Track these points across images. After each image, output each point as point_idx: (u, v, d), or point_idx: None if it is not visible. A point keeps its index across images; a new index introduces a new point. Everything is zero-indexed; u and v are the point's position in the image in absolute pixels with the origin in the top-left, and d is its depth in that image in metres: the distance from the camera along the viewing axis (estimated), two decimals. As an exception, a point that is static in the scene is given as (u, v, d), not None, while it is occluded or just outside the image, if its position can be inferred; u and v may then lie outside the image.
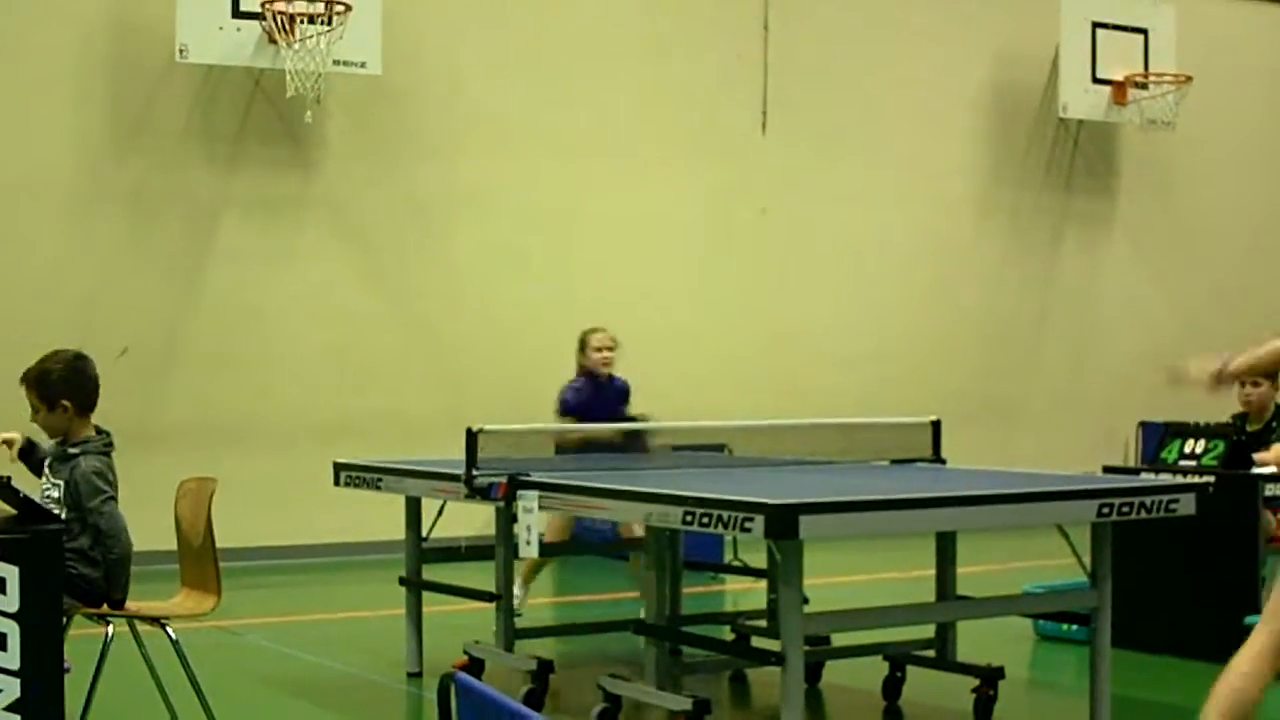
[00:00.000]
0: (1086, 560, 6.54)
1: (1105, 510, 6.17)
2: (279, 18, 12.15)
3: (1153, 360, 16.61)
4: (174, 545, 6.56)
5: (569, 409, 9.51)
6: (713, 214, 14.69)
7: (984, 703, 7.01)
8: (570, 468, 7.49)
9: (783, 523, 5.41)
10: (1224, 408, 9.50)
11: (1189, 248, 17.23)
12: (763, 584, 8.27)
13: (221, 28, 12.22)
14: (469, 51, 13.67)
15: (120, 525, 5.99)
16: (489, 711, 2.95)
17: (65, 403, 6.11)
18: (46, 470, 6.19)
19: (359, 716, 7.32)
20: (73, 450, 6.07)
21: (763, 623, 7.94)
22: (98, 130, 12.46)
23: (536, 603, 9.31)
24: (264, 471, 12.46)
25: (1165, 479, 7.76)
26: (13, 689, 5.11)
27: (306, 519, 12.60)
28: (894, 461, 7.84)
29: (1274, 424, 9.07)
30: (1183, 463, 8.61)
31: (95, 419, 6.22)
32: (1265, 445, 8.88)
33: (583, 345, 9.75)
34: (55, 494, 6.00)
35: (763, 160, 14.90)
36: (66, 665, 5.46)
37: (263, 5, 12.23)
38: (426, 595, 8.18)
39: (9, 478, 5.25)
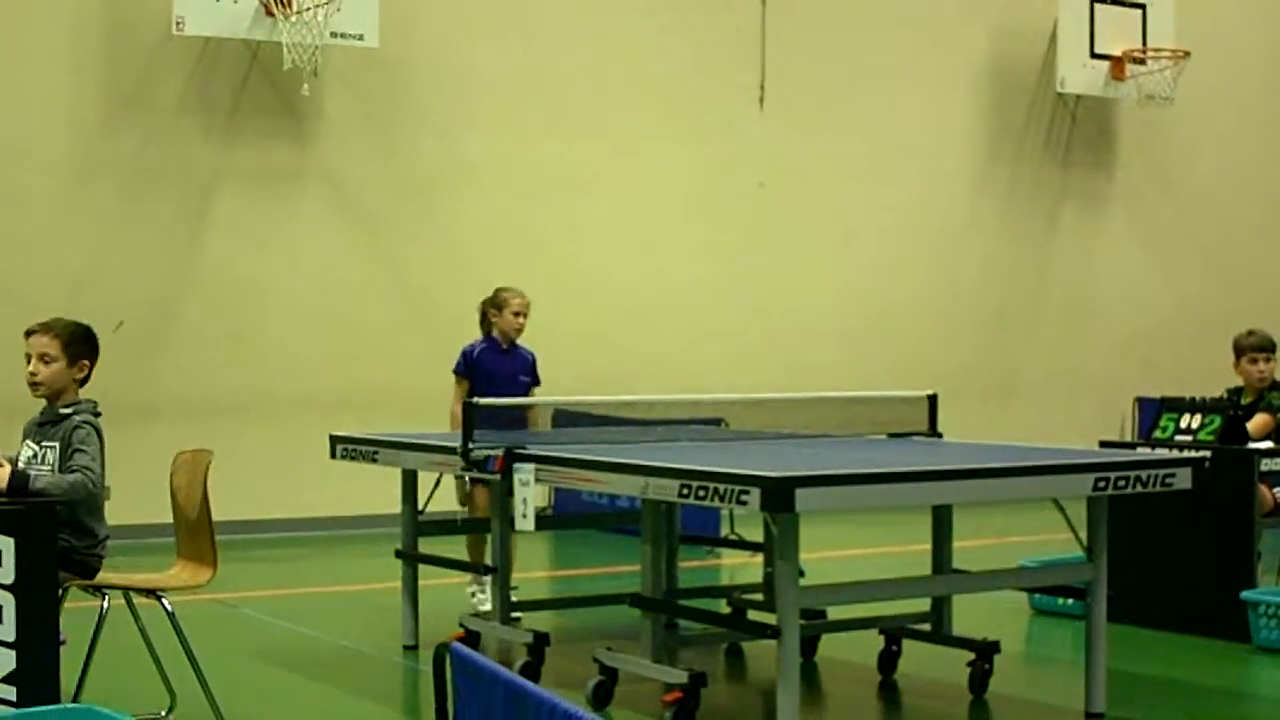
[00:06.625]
0: (1083, 535, 6.54)
1: (1101, 484, 6.16)
2: (276, -10, 12.15)
3: (1149, 336, 16.79)
4: (170, 518, 6.55)
5: (461, 372, 8.98)
6: (710, 188, 14.66)
7: (979, 676, 7.02)
8: (567, 440, 7.48)
9: (779, 496, 5.40)
10: (1220, 382, 9.51)
11: (1186, 223, 17.21)
12: (759, 558, 8.28)
13: (219, 0, 12.19)
14: (465, 24, 13.64)
15: (92, 489, 5.81)
16: (485, 683, 2.95)
17: (85, 363, 6.09)
18: (31, 438, 6.10)
19: (355, 689, 7.33)
20: (65, 410, 6.01)
21: (759, 596, 7.95)
22: (94, 102, 12.42)
23: (534, 576, 9.29)
24: (261, 444, 12.48)
25: (1161, 453, 7.76)
26: (9, 661, 5.13)
27: (303, 492, 12.60)
28: (891, 435, 7.84)
29: (1265, 394, 9.08)
30: (1179, 438, 8.59)
31: (92, 391, 6.19)
32: (1256, 417, 8.90)
33: (499, 305, 9.03)
34: (50, 457, 5.93)
35: (760, 134, 14.87)
36: (62, 638, 5.46)
37: (260, -23, 12.22)
38: (423, 568, 8.18)
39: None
